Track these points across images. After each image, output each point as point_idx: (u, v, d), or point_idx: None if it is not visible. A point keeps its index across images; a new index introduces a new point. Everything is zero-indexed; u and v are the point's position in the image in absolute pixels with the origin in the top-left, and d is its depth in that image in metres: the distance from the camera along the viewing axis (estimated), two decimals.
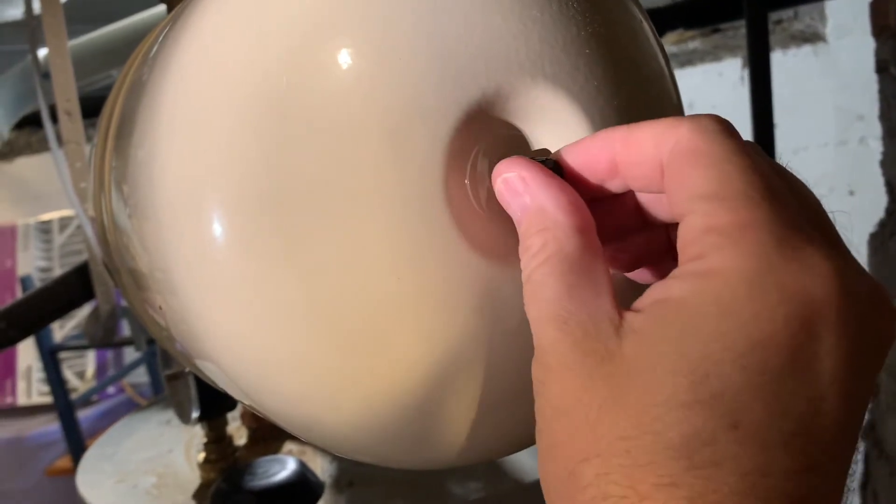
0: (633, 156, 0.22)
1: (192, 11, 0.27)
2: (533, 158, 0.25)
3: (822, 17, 1.56)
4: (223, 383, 0.31)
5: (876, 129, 1.55)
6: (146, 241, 0.29)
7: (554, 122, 0.27)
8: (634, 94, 0.29)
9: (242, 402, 0.32)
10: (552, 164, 0.24)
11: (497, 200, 0.26)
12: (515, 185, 0.24)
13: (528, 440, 0.31)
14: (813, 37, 1.55)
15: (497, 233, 0.26)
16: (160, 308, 0.30)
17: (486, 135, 0.26)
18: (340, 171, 0.24)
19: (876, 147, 1.59)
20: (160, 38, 0.32)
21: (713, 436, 0.17)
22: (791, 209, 0.19)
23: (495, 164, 0.26)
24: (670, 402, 0.17)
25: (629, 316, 0.19)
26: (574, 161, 0.24)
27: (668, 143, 0.21)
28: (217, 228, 0.24)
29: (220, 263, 0.24)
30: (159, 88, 0.27)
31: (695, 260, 0.19)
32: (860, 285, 0.18)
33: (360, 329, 0.25)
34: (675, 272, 0.19)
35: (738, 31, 1.59)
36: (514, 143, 0.27)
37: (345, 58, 0.24)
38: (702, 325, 0.18)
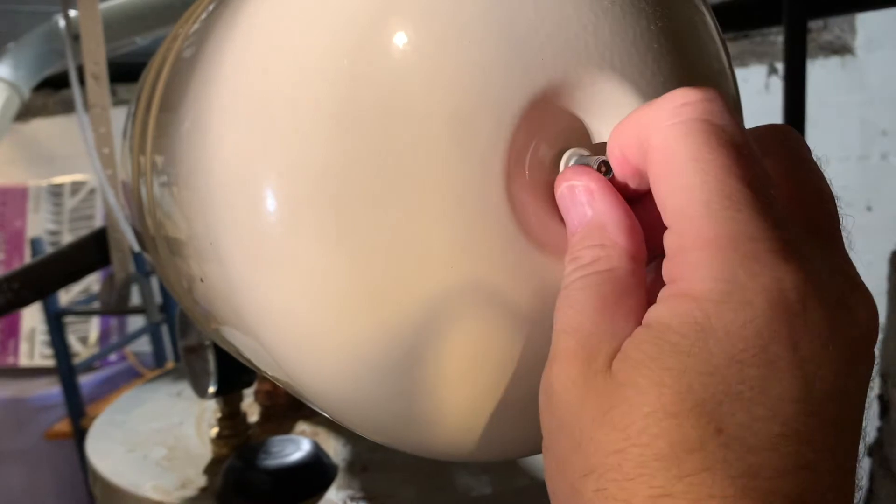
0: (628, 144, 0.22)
1: None
2: (591, 158, 0.24)
3: (853, 30, 1.54)
4: (255, 356, 0.30)
5: None
6: (189, 211, 0.29)
7: (617, 116, 0.26)
8: None
9: (270, 376, 0.32)
10: (606, 165, 0.23)
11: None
12: (580, 194, 0.23)
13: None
14: (842, 49, 1.54)
15: (554, 226, 0.26)
16: (201, 280, 0.29)
17: (549, 125, 0.26)
18: (400, 153, 0.24)
19: None
20: (206, 14, 0.32)
21: (700, 442, 0.17)
22: (761, 214, 0.19)
23: (556, 155, 0.26)
24: (656, 413, 0.18)
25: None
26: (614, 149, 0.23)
27: (649, 137, 0.21)
28: (272, 204, 0.24)
29: (273, 238, 0.24)
30: (216, 63, 0.26)
31: (671, 283, 0.19)
32: (829, 288, 0.19)
33: (410, 315, 0.24)
34: (658, 295, 0.20)
35: (766, 37, 1.58)
36: (576, 135, 0.26)
37: (411, 39, 0.24)
38: (681, 344, 0.18)
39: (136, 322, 1.81)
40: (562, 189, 0.24)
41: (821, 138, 1.45)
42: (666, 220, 0.20)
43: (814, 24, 1.52)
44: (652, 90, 0.26)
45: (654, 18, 0.27)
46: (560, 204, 0.24)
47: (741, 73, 1.56)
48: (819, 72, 1.53)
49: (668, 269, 0.20)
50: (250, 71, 0.24)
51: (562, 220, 0.26)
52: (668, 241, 0.20)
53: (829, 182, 0.22)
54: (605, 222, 0.22)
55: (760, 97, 1.56)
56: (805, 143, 0.23)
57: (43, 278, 0.79)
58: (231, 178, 0.24)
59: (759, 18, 1.11)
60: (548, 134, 0.26)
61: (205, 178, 0.26)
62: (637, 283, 0.22)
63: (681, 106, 0.20)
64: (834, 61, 1.54)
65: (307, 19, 0.24)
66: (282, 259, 0.24)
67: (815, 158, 0.23)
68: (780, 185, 0.20)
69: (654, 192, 0.20)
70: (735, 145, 0.19)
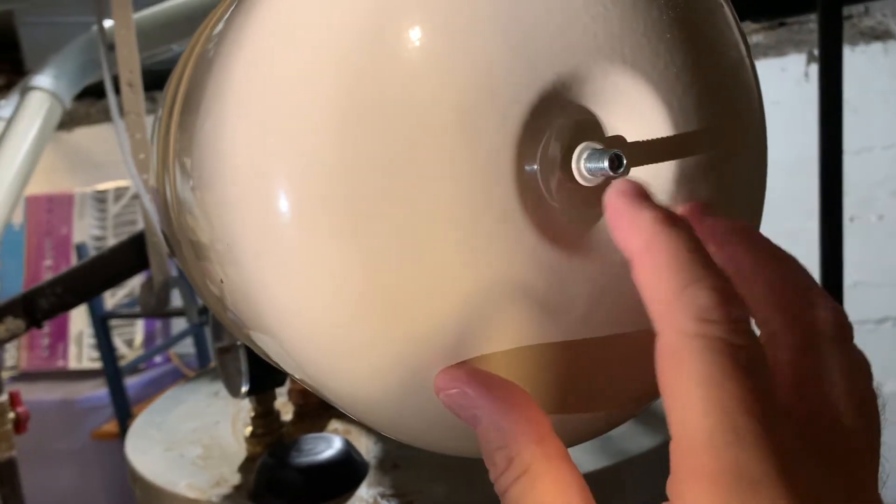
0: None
1: None
2: (603, 151, 0.24)
3: (895, 14, 1.50)
4: (279, 358, 0.31)
5: None
6: (209, 213, 0.29)
7: (630, 108, 0.26)
8: (713, 82, 0.28)
9: (297, 379, 0.32)
10: (619, 158, 0.23)
11: (567, 188, 0.26)
12: (460, 400, 0.24)
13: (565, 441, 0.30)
14: (884, 34, 1.50)
15: (566, 221, 0.25)
16: (221, 281, 0.29)
17: (560, 119, 0.25)
18: (410, 150, 0.24)
19: None
20: (228, 14, 0.32)
21: None
22: (768, 454, 0.18)
23: (569, 148, 0.26)
24: None
25: None
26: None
27: (662, 323, 0.20)
28: (284, 203, 0.24)
29: (285, 237, 0.24)
30: (230, 63, 0.27)
31: (673, 499, 0.19)
32: None
33: (421, 312, 0.25)
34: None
35: (804, 25, 1.55)
36: (588, 129, 0.26)
37: (417, 35, 0.24)
38: None
39: (179, 324, 1.84)
40: (442, 398, 0.25)
41: (864, 126, 1.42)
42: (671, 429, 0.19)
43: (854, 10, 1.49)
44: (664, 82, 0.26)
45: (667, 7, 0.26)
46: (450, 410, 0.25)
47: (779, 63, 1.53)
48: (860, 58, 1.50)
49: (671, 483, 0.19)
50: (260, 72, 0.25)
51: (575, 216, 0.26)
52: (672, 454, 0.19)
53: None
54: (497, 421, 0.23)
55: (800, 87, 1.53)
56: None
57: (84, 283, 0.81)
58: (244, 179, 0.25)
59: (795, 4, 1.09)
60: (559, 128, 0.25)
61: (221, 180, 0.26)
62: (559, 460, 0.22)
63: (703, 317, 0.19)
64: (875, 47, 1.50)
65: (314, 18, 0.24)
66: (295, 259, 0.24)
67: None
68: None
69: (660, 387, 0.20)
70: (750, 372, 0.18)
